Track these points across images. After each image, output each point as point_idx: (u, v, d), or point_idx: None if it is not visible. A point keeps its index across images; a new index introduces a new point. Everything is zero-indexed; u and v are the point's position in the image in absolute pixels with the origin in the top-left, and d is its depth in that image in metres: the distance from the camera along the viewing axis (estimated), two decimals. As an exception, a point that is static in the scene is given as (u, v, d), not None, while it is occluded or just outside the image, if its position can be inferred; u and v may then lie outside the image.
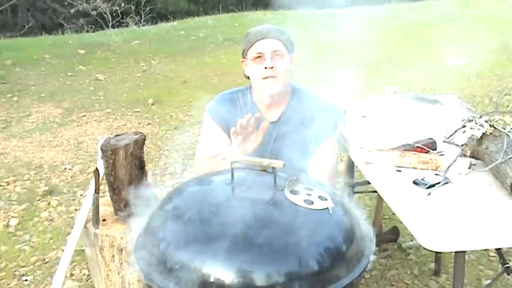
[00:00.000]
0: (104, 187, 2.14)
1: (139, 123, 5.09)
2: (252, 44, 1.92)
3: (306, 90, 2.03)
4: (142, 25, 11.32)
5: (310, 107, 1.94)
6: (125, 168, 2.01)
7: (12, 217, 3.34)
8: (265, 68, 1.88)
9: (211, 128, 2.03)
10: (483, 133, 1.79)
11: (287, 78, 1.96)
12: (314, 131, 1.89)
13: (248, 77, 2.00)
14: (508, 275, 2.08)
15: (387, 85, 2.96)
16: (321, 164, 1.92)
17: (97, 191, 2.06)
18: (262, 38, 1.91)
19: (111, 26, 11.22)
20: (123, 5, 11.98)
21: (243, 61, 2.01)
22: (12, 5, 12.88)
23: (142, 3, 12.00)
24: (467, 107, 2.13)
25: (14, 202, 3.55)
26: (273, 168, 1.38)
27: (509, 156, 1.66)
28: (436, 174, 1.76)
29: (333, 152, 1.98)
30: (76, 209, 3.35)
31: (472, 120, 1.85)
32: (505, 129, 1.77)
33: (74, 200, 3.57)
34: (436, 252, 2.44)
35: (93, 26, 11.48)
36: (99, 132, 4.86)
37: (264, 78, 1.90)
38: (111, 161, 1.99)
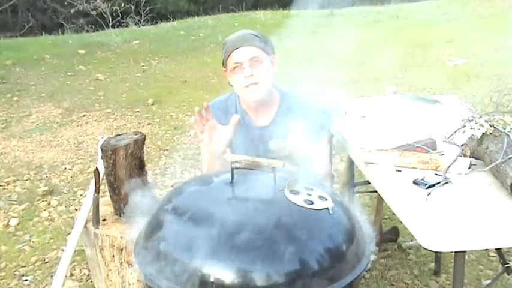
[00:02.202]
0: (104, 187, 2.14)
1: (139, 123, 5.08)
2: (229, 54, 1.92)
3: (295, 94, 2.03)
4: (143, 25, 11.32)
5: (301, 111, 1.92)
6: (125, 168, 2.01)
7: (12, 217, 3.34)
8: (245, 77, 1.88)
9: None
10: (483, 133, 1.78)
11: (270, 81, 1.95)
12: (305, 134, 1.89)
13: (232, 85, 1.99)
14: (508, 274, 2.08)
15: (387, 85, 2.96)
16: (315, 166, 1.92)
17: (97, 191, 2.06)
18: (238, 47, 1.89)
19: (111, 26, 11.22)
20: (123, 5, 11.97)
21: (224, 71, 2.00)
22: (12, 5, 12.86)
23: (142, 3, 12.00)
24: (467, 107, 2.13)
25: (14, 202, 3.55)
26: (273, 168, 1.38)
27: (509, 156, 1.66)
28: (436, 174, 1.76)
29: (325, 154, 1.98)
30: (76, 209, 3.35)
31: (472, 120, 1.85)
32: (505, 129, 1.76)
33: (74, 200, 3.57)
34: (436, 252, 2.44)
35: (93, 26, 11.48)
36: (99, 132, 4.86)
37: (246, 86, 1.90)
38: (111, 161, 1.99)
